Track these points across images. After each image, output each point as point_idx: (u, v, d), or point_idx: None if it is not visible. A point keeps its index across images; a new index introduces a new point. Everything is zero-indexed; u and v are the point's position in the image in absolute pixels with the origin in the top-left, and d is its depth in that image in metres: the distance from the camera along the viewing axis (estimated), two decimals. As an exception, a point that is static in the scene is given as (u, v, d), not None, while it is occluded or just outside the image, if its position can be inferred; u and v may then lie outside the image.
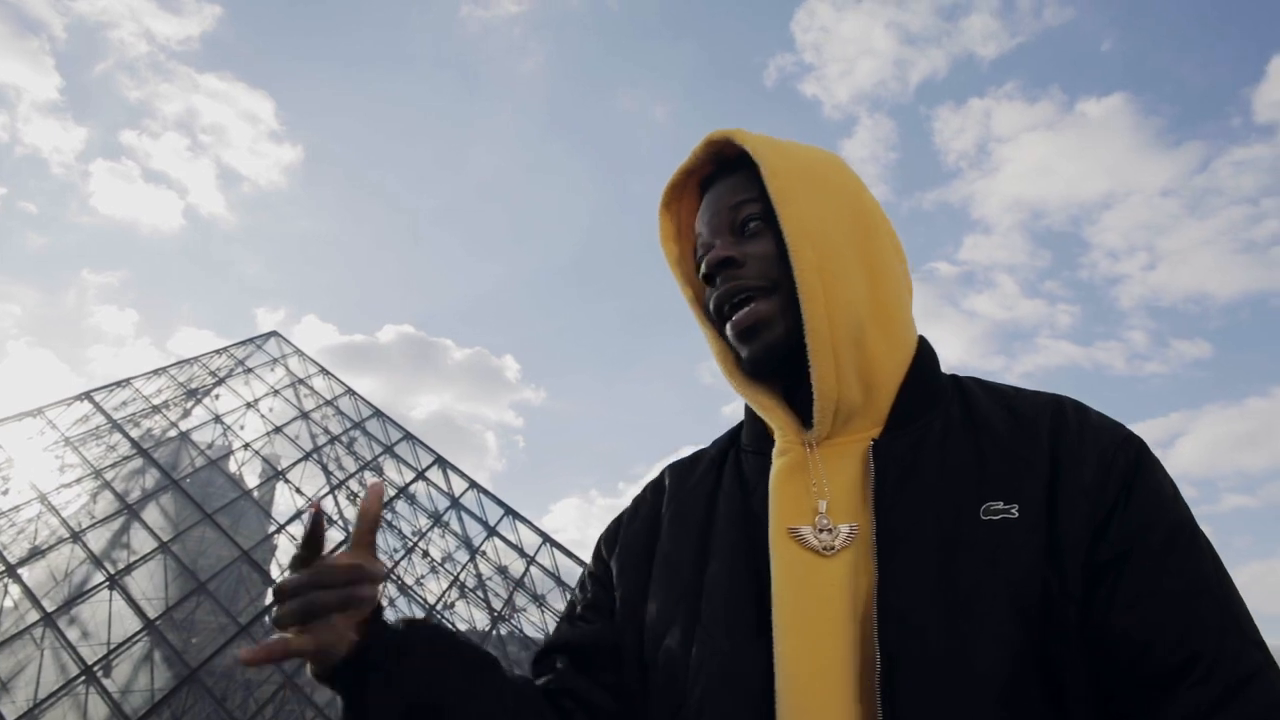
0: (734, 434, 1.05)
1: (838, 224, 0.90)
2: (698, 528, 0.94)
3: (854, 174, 0.99)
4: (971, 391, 0.93)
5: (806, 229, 0.88)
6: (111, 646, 13.03)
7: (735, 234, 0.93)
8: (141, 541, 15.03)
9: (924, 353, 0.95)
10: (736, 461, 0.99)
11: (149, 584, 14.40)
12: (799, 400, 0.92)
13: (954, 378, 0.97)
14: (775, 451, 0.92)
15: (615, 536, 1.05)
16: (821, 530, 0.83)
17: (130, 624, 13.46)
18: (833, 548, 0.82)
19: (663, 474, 1.08)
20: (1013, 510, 0.79)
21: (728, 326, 0.92)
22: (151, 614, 13.69)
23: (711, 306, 0.94)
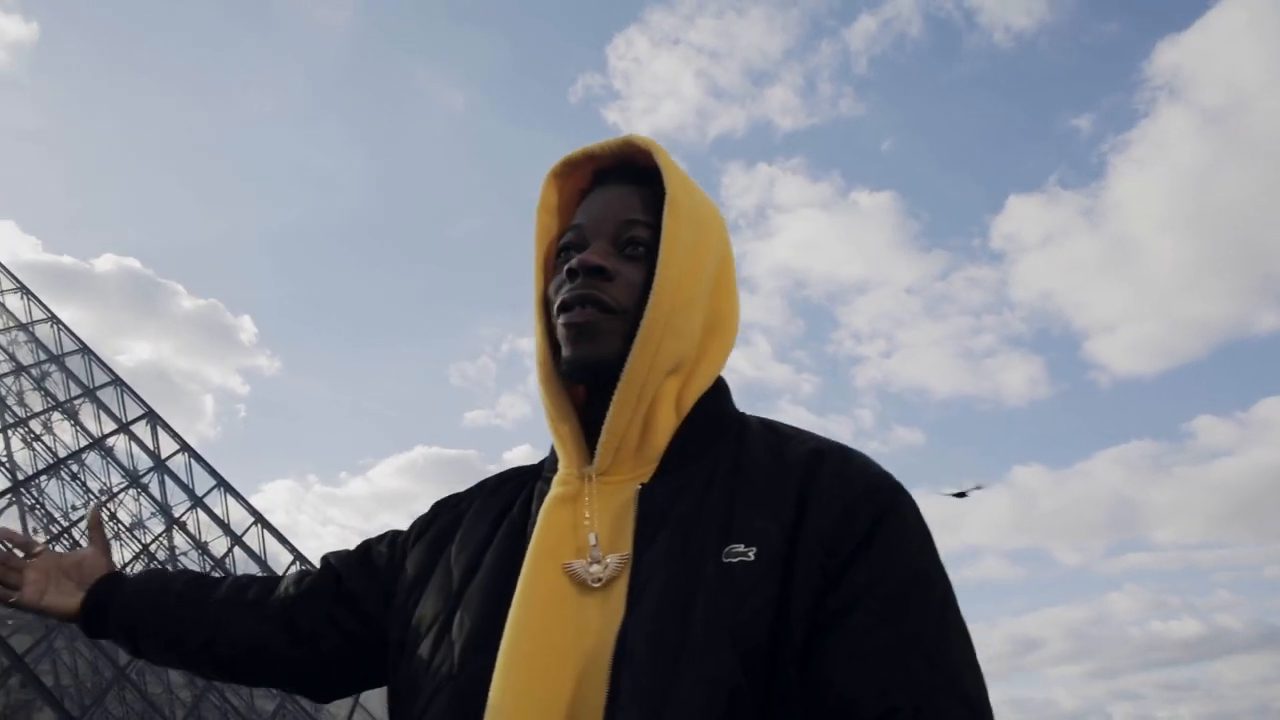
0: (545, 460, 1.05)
1: (700, 276, 0.93)
2: (479, 541, 0.96)
3: (724, 223, 1.02)
4: (753, 434, 0.94)
5: (675, 277, 0.89)
6: None
7: (615, 246, 0.93)
8: None
9: (713, 392, 0.96)
10: (533, 488, 1.00)
11: None
12: (592, 433, 0.93)
13: (743, 418, 0.98)
14: (556, 480, 0.93)
15: (430, 523, 1.07)
16: (594, 562, 0.85)
17: None
18: (600, 580, 0.83)
19: (494, 476, 1.10)
20: (750, 554, 0.80)
21: (564, 317, 0.91)
22: None
23: (558, 296, 0.92)
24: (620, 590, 0.81)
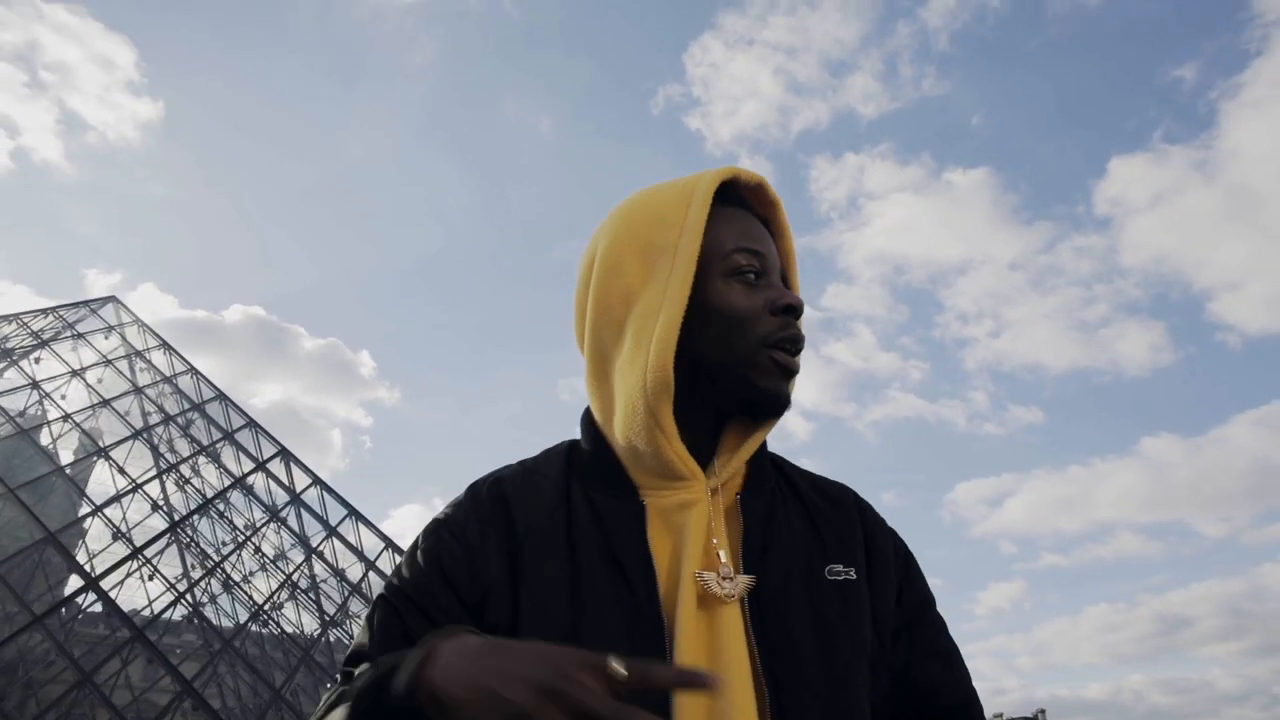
0: (564, 459, 0.99)
1: None
2: (561, 572, 0.87)
3: None
4: (784, 466, 1.02)
5: None
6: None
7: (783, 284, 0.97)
8: (-76, 514, 13.39)
9: None
10: (587, 497, 0.92)
11: (-72, 562, 12.82)
12: (697, 448, 0.93)
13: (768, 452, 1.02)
14: (682, 500, 0.89)
15: (469, 566, 0.89)
16: (724, 578, 0.85)
17: (-101, 606, 11.94)
18: (733, 596, 0.84)
19: (495, 490, 0.96)
20: (851, 573, 0.91)
21: (781, 355, 0.91)
22: (-73, 596, 12.21)
23: (765, 330, 0.90)
24: (734, 605, 0.84)
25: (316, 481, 18.97)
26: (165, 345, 20.48)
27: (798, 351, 0.92)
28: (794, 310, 0.92)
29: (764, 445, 0.98)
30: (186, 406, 19.20)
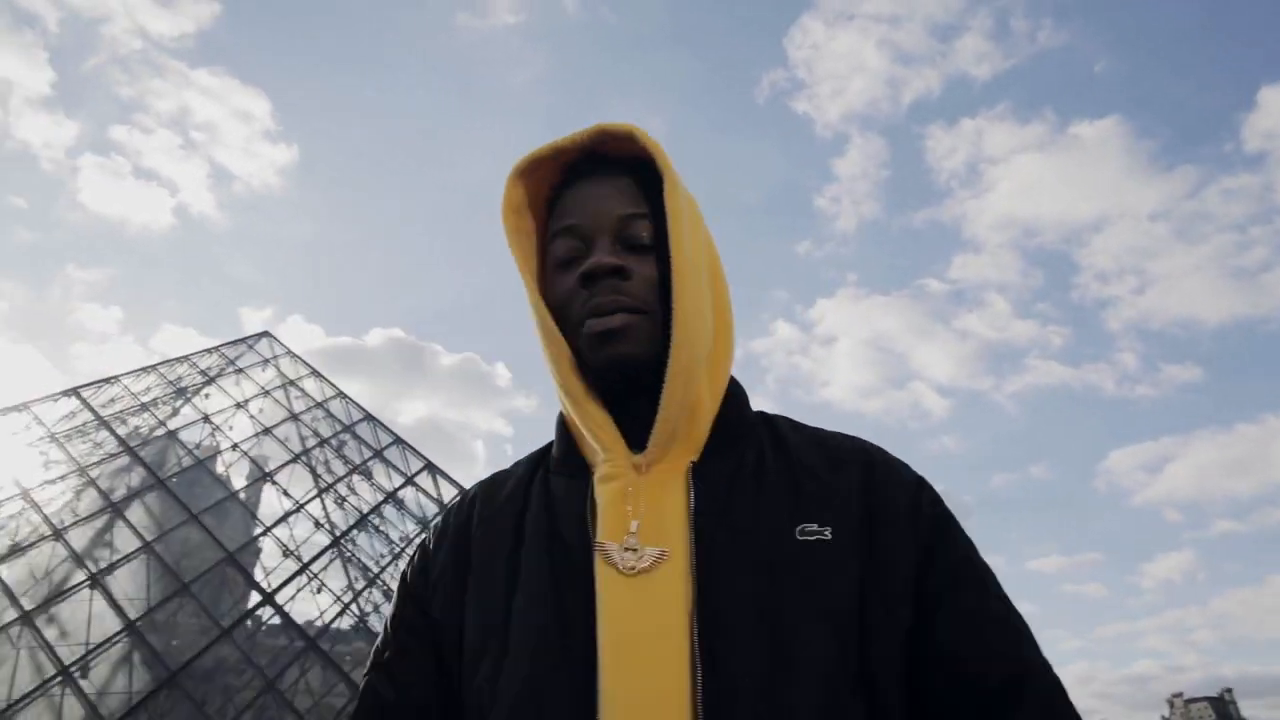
0: (540, 455, 1.03)
1: (701, 261, 0.93)
2: (505, 553, 0.91)
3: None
4: (782, 428, 0.97)
5: (692, 262, 0.89)
6: (90, 647, 12.83)
7: (620, 245, 0.91)
8: (125, 541, 14.84)
9: (736, 390, 0.98)
10: (545, 483, 0.97)
11: (131, 584, 14.20)
12: (628, 425, 0.91)
13: (763, 415, 1.00)
14: (601, 475, 0.90)
15: (426, 572, 0.98)
16: (627, 549, 0.82)
17: (110, 624, 13.26)
18: (634, 569, 0.81)
19: (470, 495, 1.04)
20: (826, 533, 0.83)
21: (593, 323, 0.89)
22: (132, 615, 13.51)
23: (578, 306, 0.91)
24: (679, 574, 0.80)
25: (462, 492, 19.74)
26: (315, 373, 21.93)
27: (609, 311, 0.88)
28: (591, 276, 0.89)
29: (735, 407, 0.96)
30: (339, 429, 20.45)
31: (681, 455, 0.90)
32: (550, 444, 1.02)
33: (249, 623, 15.00)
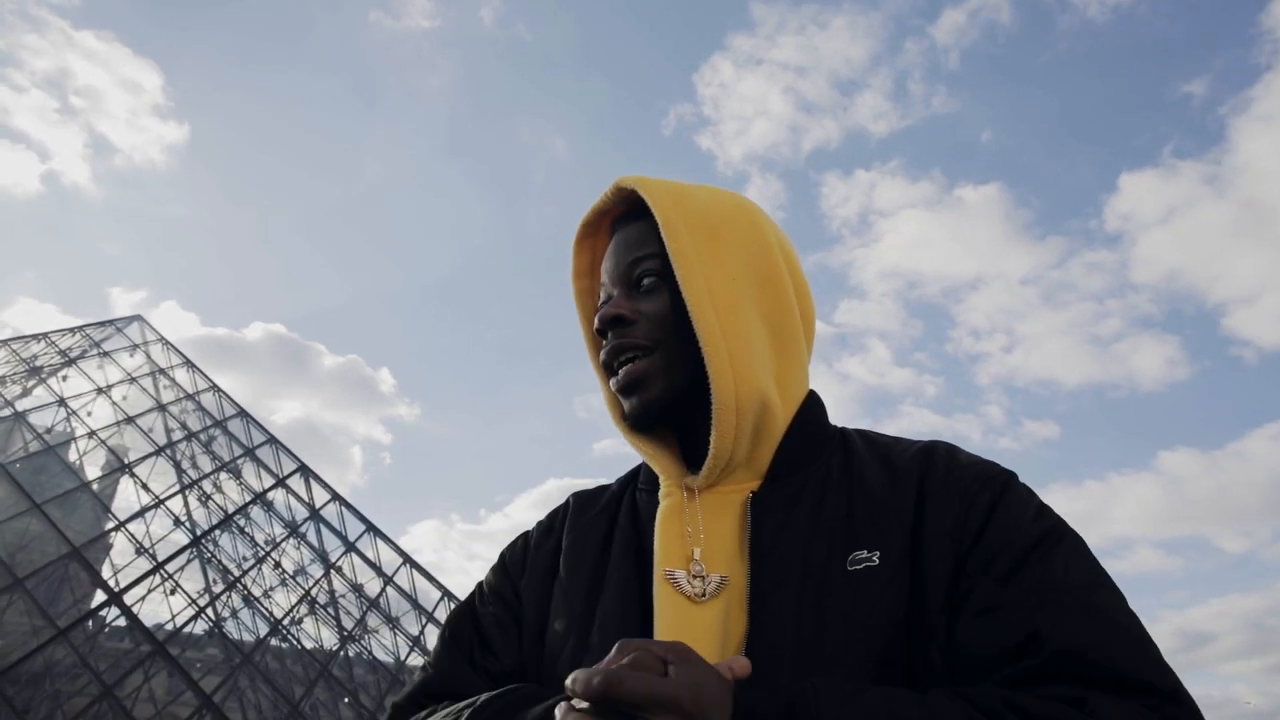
0: (636, 471, 1.08)
1: (736, 280, 0.92)
2: (592, 559, 0.97)
3: (759, 218, 1.00)
4: (854, 444, 0.97)
5: (708, 287, 0.90)
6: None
7: (631, 289, 0.96)
8: (-47, 528, 13.63)
9: (811, 405, 0.98)
10: (633, 499, 1.03)
11: (-44, 576, 13.03)
12: (690, 447, 0.97)
13: (842, 430, 1.00)
14: (660, 494, 0.96)
15: (524, 557, 1.06)
16: (695, 576, 0.87)
17: (-72, 619, 12.14)
18: (704, 594, 0.85)
19: (568, 501, 1.11)
20: (874, 558, 0.82)
21: (610, 381, 0.97)
22: (-45, 609, 12.41)
23: (602, 359, 0.97)
24: (736, 601, 0.84)
25: (336, 497, 19.11)
26: (188, 363, 20.77)
27: (623, 364, 0.94)
28: (601, 332, 0.95)
29: (809, 425, 0.95)
30: (209, 423, 19.42)
31: (745, 479, 0.93)
32: (643, 463, 1.06)
33: (89, 624, 14.04)
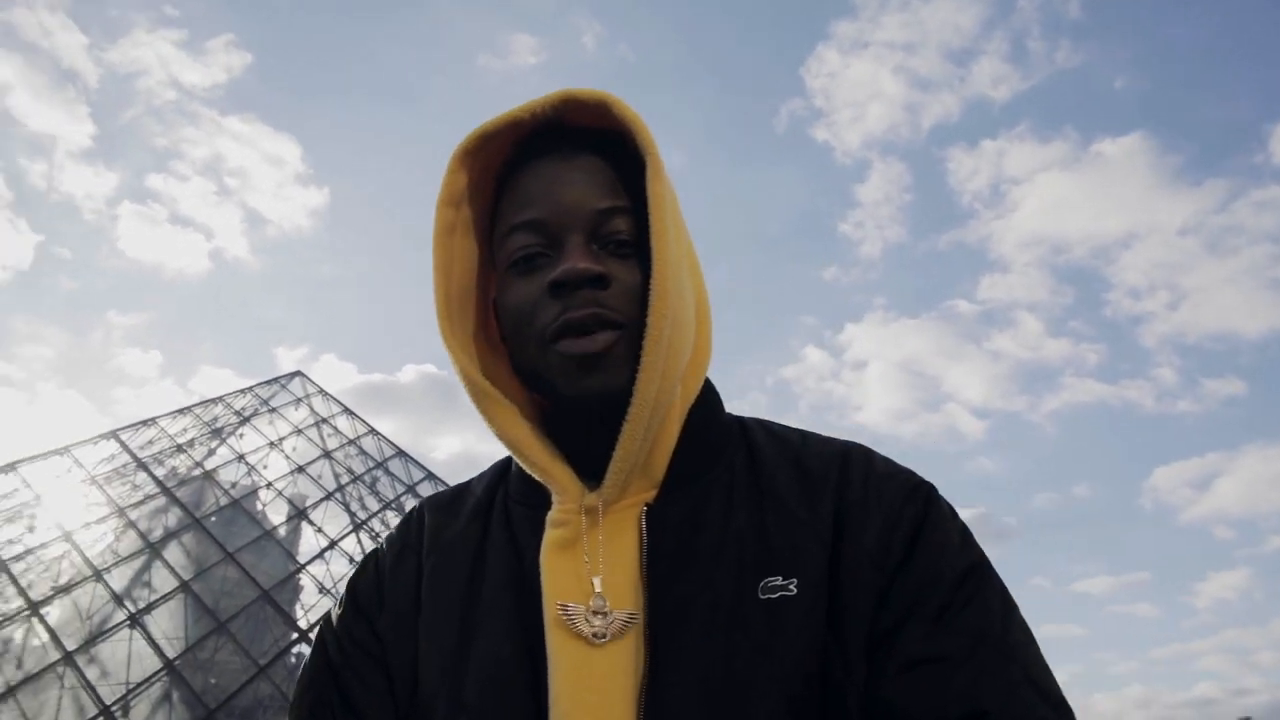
0: (498, 476, 0.87)
1: (684, 261, 0.76)
2: (461, 591, 0.77)
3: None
4: (757, 441, 0.80)
5: (675, 263, 0.72)
6: (130, 686, 12.84)
7: (596, 244, 0.73)
8: (163, 580, 14.93)
9: (707, 397, 0.81)
10: (505, 511, 0.82)
11: (169, 623, 14.26)
12: (574, 457, 0.77)
13: (740, 421, 0.83)
14: (551, 518, 0.75)
15: (377, 588, 0.83)
16: (595, 613, 0.69)
17: (150, 664, 13.29)
18: (604, 635, 0.68)
19: (420, 510, 0.88)
20: (790, 586, 0.69)
21: (567, 344, 0.71)
22: (171, 654, 13.52)
23: (545, 319, 0.72)
24: (639, 643, 0.68)
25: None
26: (347, 411, 22.15)
27: (588, 330, 0.70)
28: (564, 285, 0.70)
29: (704, 421, 0.79)
30: (371, 465, 20.56)
31: (640, 490, 0.75)
32: (509, 461, 0.87)
33: (288, 659, 14.96)
